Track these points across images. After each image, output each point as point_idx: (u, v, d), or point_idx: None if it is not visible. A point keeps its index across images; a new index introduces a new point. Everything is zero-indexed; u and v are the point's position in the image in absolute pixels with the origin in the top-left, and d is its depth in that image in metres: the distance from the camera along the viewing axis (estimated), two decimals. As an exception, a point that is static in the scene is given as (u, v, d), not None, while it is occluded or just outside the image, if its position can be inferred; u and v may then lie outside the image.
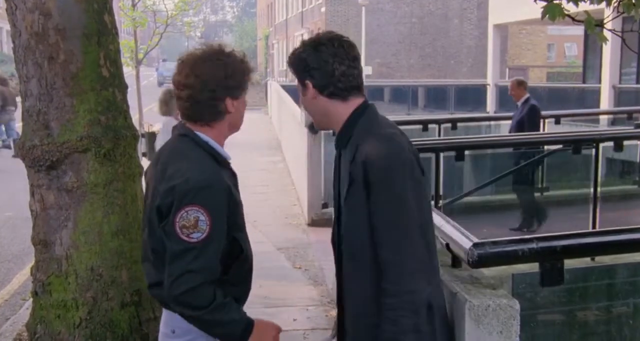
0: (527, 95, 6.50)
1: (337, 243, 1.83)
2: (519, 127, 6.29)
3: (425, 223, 1.71)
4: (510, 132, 6.49)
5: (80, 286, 3.07)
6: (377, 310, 1.67)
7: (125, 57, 9.82)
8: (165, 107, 5.25)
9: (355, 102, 1.80)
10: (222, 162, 1.81)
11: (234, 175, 1.88)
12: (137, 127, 3.70)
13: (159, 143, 5.17)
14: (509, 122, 6.93)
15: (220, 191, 1.69)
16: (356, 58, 1.80)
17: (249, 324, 1.74)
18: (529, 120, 6.27)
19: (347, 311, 1.82)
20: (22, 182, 3.56)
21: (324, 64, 1.76)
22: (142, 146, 8.09)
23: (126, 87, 3.33)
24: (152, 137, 8.17)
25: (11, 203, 7.79)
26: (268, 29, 45.80)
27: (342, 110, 1.79)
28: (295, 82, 1.88)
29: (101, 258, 3.09)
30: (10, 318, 4.29)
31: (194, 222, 1.63)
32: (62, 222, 3.07)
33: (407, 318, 1.63)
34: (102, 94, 3.10)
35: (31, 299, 3.35)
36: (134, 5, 10.24)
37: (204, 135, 1.80)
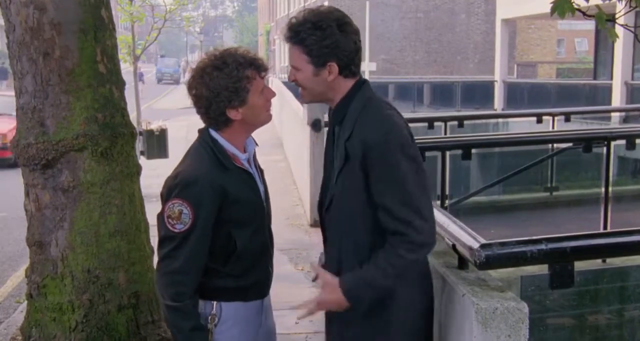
0: None
1: (323, 215, 1.89)
2: None
3: (429, 197, 1.78)
4: None
5: (76, 288, 3.02)
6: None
7: (123, 53, 9.75)
8: None
9: (354, 79, 1.81)
10: (226, 161, 1.86)
11: (247, 173, 1.91)
12: (135, 125, 3.64)
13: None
14: (518, 119, 6.80)
15: (206, 188, 1.79)
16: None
17: None
18: None
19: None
20: (16, 181, 3.50)
21: (351, 44, 1.74)
22: (140, 144, 8.07)
23: (124, 83, 3.27)
24: (150, 135, 8.15)
25: (5, 203, 7.75)
26: (269, 24, 45.67)
27: (345, 87, 1.79)
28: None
29: (98, 260, 3.03)
30: (4, 321, 4.23)
31: (178, 214, 1.79)
32: (58, 222, 3.02)
33: (406, 256, 1.71)
34: (99, 91, 3.05)
35: (25, 302, 3.29)
36: (131, 0, 10.17)
37: (216, 133, 1.88)
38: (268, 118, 1.95)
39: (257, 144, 2.02)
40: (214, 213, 1.81)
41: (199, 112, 1.89)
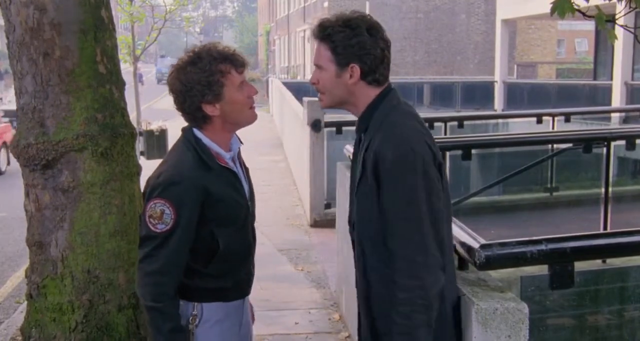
0: None
1: (352, 229, 1.84)
2: None
3: (438, 219, 1.68)
4: None
5: (76, 288, 3.02)
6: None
7: (123, 53, 9.76)
8: None
9: (382, 87, 1.77)
10: (210, 160, 1.84)
11: (231, 173, 1.89)
12: (135, 125, 3.64)
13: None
14: (518, 120, 6.80)
15: (189, 188, 1.78)
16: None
17: None
18: None
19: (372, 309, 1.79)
20: (16, 182, 3.50)
21: (377, 50, 1.71)
22: (140, 144, 8.09)
23: (124, 83, 3.27)
24: (150, 135, 8.19)
25: (5, 203, 7.76)
26: (269, 25, 45.72)
27: (371, 94, 1.75)
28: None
29: (98, 260, 3.03)
30: (4, 321, 4.25)
31: (159, 214, 1.76)
32: (58, 222, 3.01)
33: (420, 314, 1.63)
34: (99, 91, 3.04)
35: (25, 302, 3.29)
36: (131, 0, 10.19)
37: (199, 132, 1.87)
38: (252, 116, 1.91)
39: (241, 142, 1.99)
40: (196, 213, 1.79)
41: (178, 109, 1.88)
